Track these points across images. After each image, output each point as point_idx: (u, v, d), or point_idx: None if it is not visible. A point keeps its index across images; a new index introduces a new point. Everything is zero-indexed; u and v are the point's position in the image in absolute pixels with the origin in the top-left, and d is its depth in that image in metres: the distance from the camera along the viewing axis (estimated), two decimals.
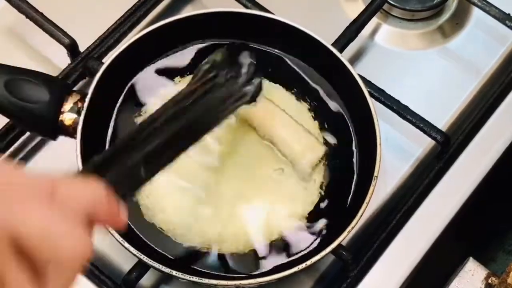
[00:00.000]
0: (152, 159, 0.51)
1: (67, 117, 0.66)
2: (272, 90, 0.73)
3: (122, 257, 0.70)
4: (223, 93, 0.61)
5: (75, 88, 0.71)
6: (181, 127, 0.55)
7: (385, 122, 0.74)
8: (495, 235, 0.88)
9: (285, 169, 0.69)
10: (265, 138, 0.70)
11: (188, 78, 0.72)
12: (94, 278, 0.67)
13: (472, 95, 0.84)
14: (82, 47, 0.77)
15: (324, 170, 0.70)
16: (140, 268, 0.66)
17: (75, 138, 0.66)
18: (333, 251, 0.64)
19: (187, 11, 0.83)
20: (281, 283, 0.70)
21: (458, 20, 0.88)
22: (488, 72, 0.85)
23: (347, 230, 0.64)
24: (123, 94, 0.72)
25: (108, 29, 0.79)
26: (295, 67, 0.74)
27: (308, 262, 0.62)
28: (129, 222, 0.66)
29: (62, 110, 0.66)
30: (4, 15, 0.81)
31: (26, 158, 0.76)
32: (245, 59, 0.63)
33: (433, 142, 0.77)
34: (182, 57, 0.74)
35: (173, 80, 0.73)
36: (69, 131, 0.66)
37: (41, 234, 0.34)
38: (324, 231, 0.67)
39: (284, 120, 0.70)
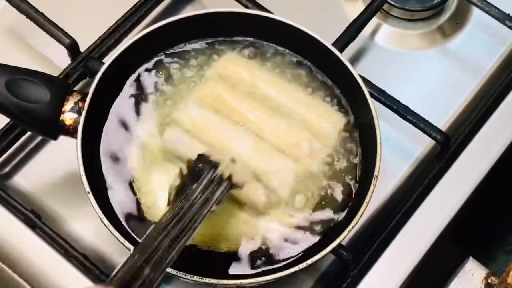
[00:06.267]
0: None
1: (68, 117, 0.66)
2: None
3: (124, 256, 0.70)
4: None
5: (75, 88, 0.72)
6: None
7: (385, 122, 0.74)
8: (495, 235, 0.88)
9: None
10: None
11: None
12: (94, 278, 0.67)
13: (472, 95, 0.84)
14: (82, 47, 0.77)
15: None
16: None
17: (75, 138, 0.66)
18: (333, 251, 0.64)
19: (187, 11, 0.83)
20: (281, 283, 0.70)
21: (458, 20, 0.88)
22: (488, 72, 0.85)
23: (347, 229, 0.64)
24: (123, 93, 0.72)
25: (108, 29, 0.79)
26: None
27: (309, 262, 0.63)
28: (129, 221, 0.66)
29: (62, 110, 0.66)
30: (4, 15, 0.82)
31: (26, 158, 0.76)
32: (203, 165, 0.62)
33: (433, 142, 0.77)
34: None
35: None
36: (70, 131, 0.67)
37: None
38: (325, 231, 0.67)
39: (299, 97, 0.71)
